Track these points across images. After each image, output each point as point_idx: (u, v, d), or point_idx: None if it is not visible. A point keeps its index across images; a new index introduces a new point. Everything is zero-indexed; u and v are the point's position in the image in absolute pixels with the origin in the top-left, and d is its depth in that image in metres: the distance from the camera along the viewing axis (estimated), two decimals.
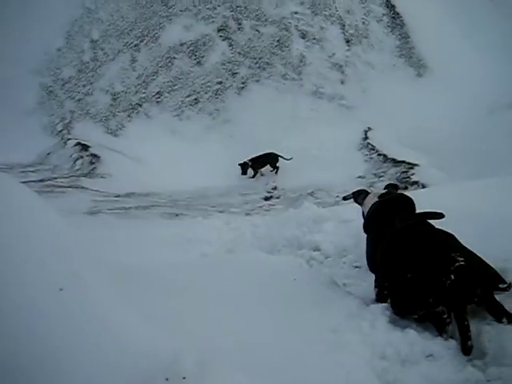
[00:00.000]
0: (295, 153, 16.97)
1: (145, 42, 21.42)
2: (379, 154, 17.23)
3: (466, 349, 3.14)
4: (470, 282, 3.39)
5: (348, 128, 18.57)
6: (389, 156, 16.90)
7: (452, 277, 3.36)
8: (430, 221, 4.07)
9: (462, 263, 3.42)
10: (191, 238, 6.91)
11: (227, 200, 14.88)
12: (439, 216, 4.04)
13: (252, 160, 16.93)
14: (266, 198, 15.44)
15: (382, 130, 18.48)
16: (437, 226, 4.03)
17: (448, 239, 3.79)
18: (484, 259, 3.60)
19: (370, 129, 18.78)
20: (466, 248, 3.67)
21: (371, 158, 17.34)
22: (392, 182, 4.93)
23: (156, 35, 21.49)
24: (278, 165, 17.10)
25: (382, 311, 3.52)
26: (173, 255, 5.78)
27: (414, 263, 3.67)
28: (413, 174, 15.07)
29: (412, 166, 15.62)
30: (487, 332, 3.17)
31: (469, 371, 2.93)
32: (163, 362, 2.05)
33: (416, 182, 14.42)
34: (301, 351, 2.75)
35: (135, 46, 21.42)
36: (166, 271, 3.97)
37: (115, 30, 21.78)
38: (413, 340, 3.12)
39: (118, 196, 14.46)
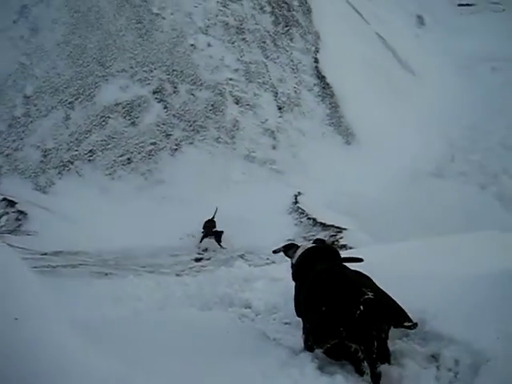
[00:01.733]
0: (227, 215, 17.13)
1: (79, 100, 21.41)
2: (309, 218, 17.65)
3: (375, 375, 3.42)
4: (377, 314, 3.70)
5: (279, 192, 19.00)
6: (318, 220, 17.34)
7: (361, 307, 3.69)
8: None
9: (371, 296, 3.74)
10: (121, 295, 6.85)
11: (157, 261, 14.78)
12: (359, 260, 4.46)
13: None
14: (197, 260, 15.45)
15: (312, 195, 19.02)
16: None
17: (361, 278, 4.14)
18: (393, 299, 3.93)
19: (299, 193, 19.27)
20: (377, 286, 4.02)
21: (301, 221, 17.73)
22: (320, 238, 5.25)
23: (91, 94, 21.54)
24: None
25: (310, 359, 3.67)
26: (103, 312, 5.71)
27: (328, 297, 3.98)
28: (341, 238, 15.50)
29: (340, 229, 16.09)
30: (407, 377, 3.37)
31: None
32: None
33: (344, 246, 14.82)
34: None
35: (69, 103, 21.35)
36: (100, 327, 3.97)
37: (50, 86, 21.68)
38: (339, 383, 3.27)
39: (45, 254, 14.10)
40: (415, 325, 3.79)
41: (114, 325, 4.39)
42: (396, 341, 3.98)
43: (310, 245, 5.12)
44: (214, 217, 16.45)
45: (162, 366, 2.80)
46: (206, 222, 16.62)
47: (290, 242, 5.48)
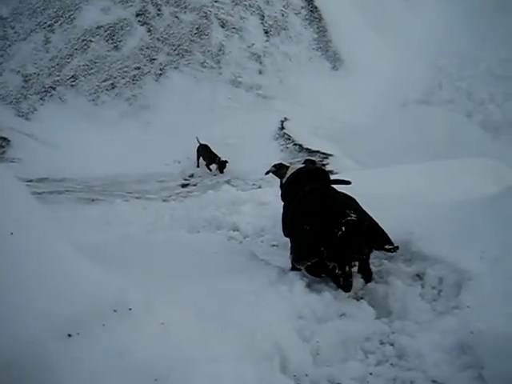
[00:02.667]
0: (213, 141, 17.03)
1: (59, 22, 20.73)
2: (295, 144, 17.62)
3: (347, 284, 3.55)
4: (359, 236, 3.75)
5: (265, 118, 18.86)
6: (304, 146, 17.31)
7: (343, 229, 3.72)
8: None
9: (354, 218, 3.78)
10: (111, 219, 6.90)
11: (143, 187, 14.78)
12: (346, 182, 4.48)
13: None
14: (183, 185, 15.46)
15: (298, 121, 18.91)
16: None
17: (347, 199, 4.20)
18: (378, 222, 3.98)
19: (286, 119, 19.15)
20: (362, 208, 4.05)
21: (287, 147, 17.71)
22: (310, 158, 5.22)
23: (71, 16, 20.84)
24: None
25: (299, 277, 3.76)
26: (94, 236, 5.75)
27: (312, 217, 4.01)
28: (327, 164, 15.53)
29: (326, 155, 16.11)
30: (393, 294, 3.47)
31: (377, 325, 3.23)
32: (111, 295, 2.16)
33: (330, 171, 14.88)
34: (229, 304, 2.94)
35: (49, 26, 20.69)
36: (91, 248, 4.00)
37: (27, 8, 20.94)
38: (328, 301, 3.37)
39: (30, 181, 14.01)
40: (396, 248, 3.84)
41: (106, 247, 4.44)
42: (382, 261, 4.07)
43: (299, 165, 5.10)
44: (198, 142, 16.25)
45: (154, 283, 2.86)
46: (201, 148, 16.40)
47: (280, 162, 5.47)
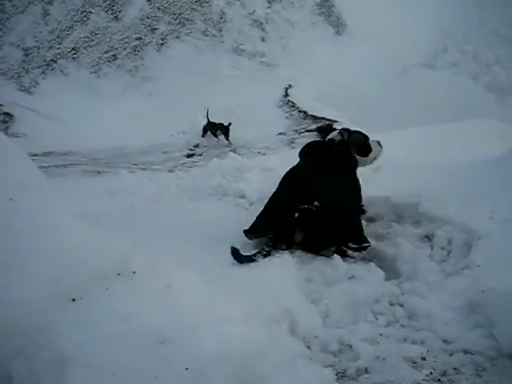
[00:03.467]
0: (217, 110, 16.90)
1: None
2: (300, 111, 17.51)
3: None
4: (310, 226, 3.58)
5: (269, 85, 18.70)
6: (309, 113, 17.21)
7: (295, 215, 3.54)
8: None
9: (312, 208, 3.58)
10: (116, 190, 6.87)
11: (148, 158, 14.74)
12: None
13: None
14: (189, 156, 15.41)
15: (302, 88, 18.76)
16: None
17: (331, 184, 3.84)
18: (357, 219, 3.78)
19: (290, 86, 19.00)
20: (349, 197, 3.85)
21: (292, 114, 17.60)
22: (346, 128, 4.76)
23: None
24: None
25: None
26: (98, 206, 5.73)
27: (278, 194, 3.91)
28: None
29: (332, 122, 15.98)
30: (401, 256, 3.43)
31: (386, 286, 3.20)
32: (115, 259, 2.14)
33: None
34: (236, 267, 2.94)
35: None
36: (95, 217, 3.99)
37: None
38: (337, 265, 3.34)
39: (36, 155, 13.92)
40: (364, 248, 3.59)
41: (109, 215, 4.42)
42: (391, 223, 4.03)
43: (341, 131, 4.55)
44: (208, 118, 15.94)
45: (159, 247, 2.83)
46: (208, 125, 16.05)
47: (327, 124, 5.20)
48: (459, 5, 23.89)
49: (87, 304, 1.99)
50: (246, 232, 3.77)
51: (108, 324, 1.94)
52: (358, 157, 4.28)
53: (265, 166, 6.44)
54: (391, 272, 3.43)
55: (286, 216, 3.60)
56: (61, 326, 1.87)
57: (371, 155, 4.48)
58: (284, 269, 3.21)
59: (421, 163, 5.05)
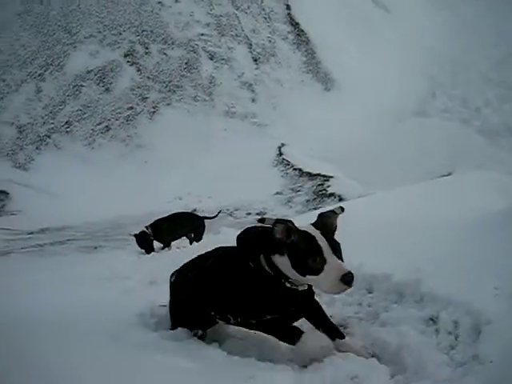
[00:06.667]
0: (211, 173, 16.94)
1: (49, 70, 20.83)
2: (295, 169, 17.51)
3: None
4: None
5: (262, 145, 18.80)
6: (304, 170, 17.21)
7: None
8: None
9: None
10: (110, 274, 6.68)
11: None
12: None
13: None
14: None
15: (296, 145, 18.84)
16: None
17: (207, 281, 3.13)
18: None
19: (283, 145, 19.09)
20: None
21: (287, 173, 17.59)
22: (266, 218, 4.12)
23: (61, 63, 20.95)
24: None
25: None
26: (91, 294, 5.53)
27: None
28: (329, 186, 15.38)
29: (327, 178, 15.97)
30: (406, 346, 3.24)
31: None
32: None
33: (332, 194, 14.73)
34: None
35: (39, 75, 20.78)
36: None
37: (16, 59, 21.06)
38: (337, 364, 3.14)
39: (32, 233, 13.88)
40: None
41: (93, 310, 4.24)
42: (392, 305, 3.84)
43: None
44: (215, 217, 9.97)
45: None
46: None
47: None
48: (445, 50, 24.35)
49: None
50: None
51: None
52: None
53: None
54: (396, 366, 3.22)
55: None
56: None
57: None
58: (282, 374, 3.01)
59: (417, 224, 4.88)
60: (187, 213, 10.87)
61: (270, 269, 2.89)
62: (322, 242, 2.72)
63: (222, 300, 3.09)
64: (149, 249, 8.70)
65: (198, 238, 9.28)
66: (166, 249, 9.00)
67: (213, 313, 3.16)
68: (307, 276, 2.74)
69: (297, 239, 2.75)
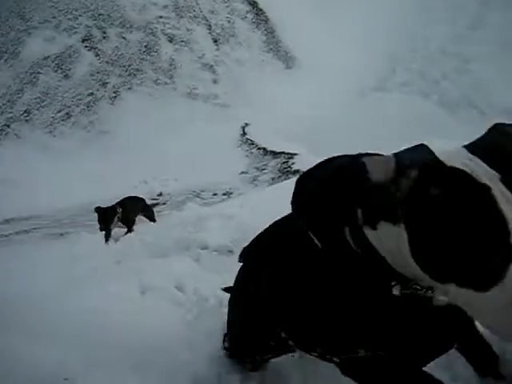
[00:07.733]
0: (176, 156, 16.93)
1: (4, 58, 20.38)
2: (259, 148, 17.60)
3: None
4: None
5: (226, 126, 18.82)
6: (268, 149, 17.30)
7: None
8: None
9: None
10: (77, 254, 6.69)
11: None
12: None
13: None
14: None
15: (259, 125, 18.91)
16: None
17: None
18: None
19: (247, 124, 19.15)
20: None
21: (251, 152, 17.67)
22: None
23: (16, 51, 20.51)
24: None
25: None
26: (59, 274, 5.56)
27: None
28: (293, 164, 15.51)
29: (291, 155, 16.09)
30: None
31: None
32: (45, 368, 1.97)
33: (297, 171, 14.85)
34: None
35: None
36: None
37: None
38: None
39: None
40: None
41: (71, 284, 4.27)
42: None
43: None
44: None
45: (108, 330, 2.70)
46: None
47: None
48: (403, 26, 24.60)
49: None
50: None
51: None
52: None
53: (225, 212, 6.39)
54: None
55: None
56: None
57: None
58: None
59: None
60: (134, 196, 10.39)
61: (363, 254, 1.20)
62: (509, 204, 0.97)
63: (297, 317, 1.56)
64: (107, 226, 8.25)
65: (152, 219, 9.22)
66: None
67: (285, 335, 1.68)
68: (453, 285, 1.02)
69: (439, 193, 0.99)
